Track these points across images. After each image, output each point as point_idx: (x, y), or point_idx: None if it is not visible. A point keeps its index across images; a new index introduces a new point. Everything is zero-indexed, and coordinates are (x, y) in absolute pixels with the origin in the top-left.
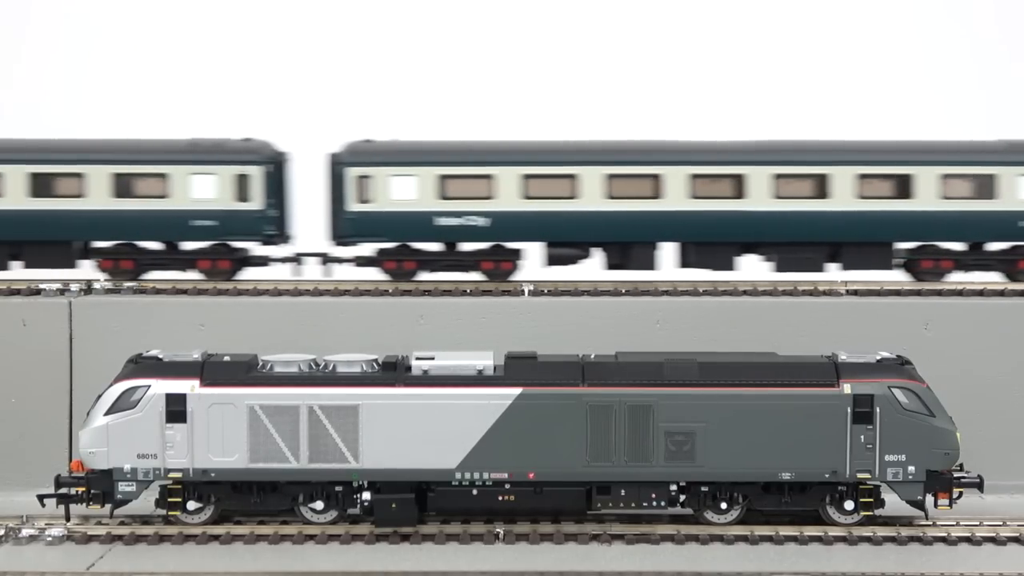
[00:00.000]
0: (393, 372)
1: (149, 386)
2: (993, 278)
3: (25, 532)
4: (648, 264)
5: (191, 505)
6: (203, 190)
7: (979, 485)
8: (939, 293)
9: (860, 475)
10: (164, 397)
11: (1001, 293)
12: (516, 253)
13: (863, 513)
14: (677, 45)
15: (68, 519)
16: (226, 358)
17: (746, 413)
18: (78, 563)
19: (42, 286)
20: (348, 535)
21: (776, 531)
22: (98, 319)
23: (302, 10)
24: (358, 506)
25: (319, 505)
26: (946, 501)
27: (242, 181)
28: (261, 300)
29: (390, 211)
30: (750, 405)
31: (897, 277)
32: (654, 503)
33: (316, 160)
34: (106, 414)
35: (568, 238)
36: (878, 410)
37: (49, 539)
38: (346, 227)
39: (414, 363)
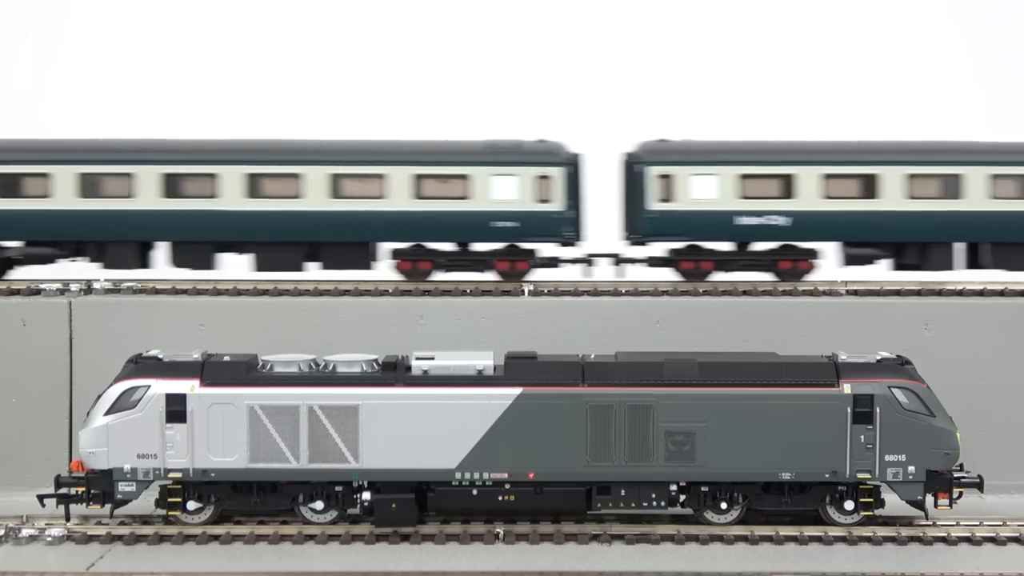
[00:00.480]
0: (393, 372)
1: (149, 386)
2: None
3: (25, 532)
4: (945, 264)
5: (191, 505)
6: (504, 191)
7: (979, 485)
8: (939, 293)
9: (860, 475)
10: (164, 397)
11: (1001, 293)
12: (812, 252)
13: (863, 513)
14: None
15: (68, 519)
16: (226, 358)
17: (746, 413)
18: (78, 563)
19: (42, 286)
20: (348, 535)
21: (776, 531)
22: (98, 319)
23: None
24: (358, 506)
25: (319, 505)
26: (946, 501)
27: (543, 182)
28: (261, 300)
29: (690, 210)
30: (750, 405)
31: (898, 276)
32: (654, 503)
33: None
34: (106, 414)
35: (867, 238)
36: (878, 410)
37: (49, 539)
38: (646, 226)
39: (414, 363)
